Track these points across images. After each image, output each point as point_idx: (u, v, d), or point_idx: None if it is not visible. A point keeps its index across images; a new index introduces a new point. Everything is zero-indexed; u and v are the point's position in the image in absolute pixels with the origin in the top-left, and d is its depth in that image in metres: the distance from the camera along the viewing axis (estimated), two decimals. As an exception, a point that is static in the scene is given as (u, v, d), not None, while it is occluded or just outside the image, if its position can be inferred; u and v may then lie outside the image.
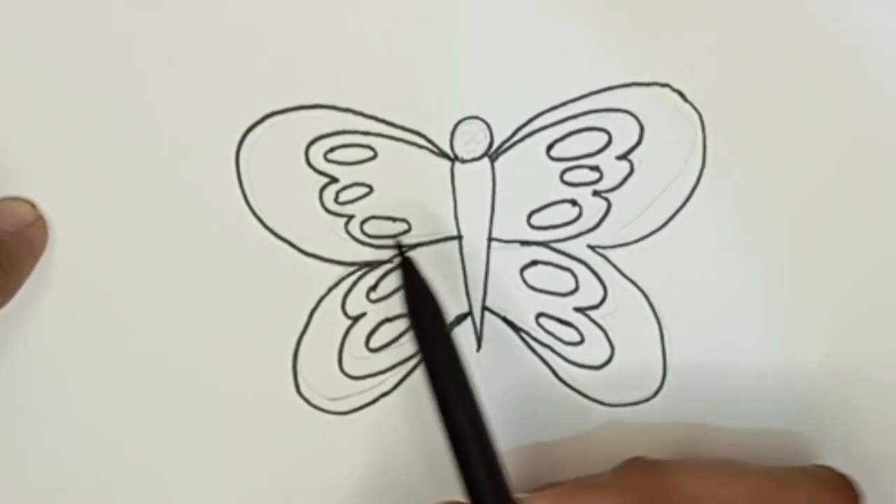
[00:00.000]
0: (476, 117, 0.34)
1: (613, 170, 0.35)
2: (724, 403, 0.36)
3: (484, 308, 0.35)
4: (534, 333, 0.35)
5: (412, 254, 0.34)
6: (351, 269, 0.35)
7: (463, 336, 0.35)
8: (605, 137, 0.35)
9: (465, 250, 0.35)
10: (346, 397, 0.35)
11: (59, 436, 0.35)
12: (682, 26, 0.34)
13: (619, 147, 0.35)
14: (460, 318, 0.35)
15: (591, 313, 0.36)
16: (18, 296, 0.33)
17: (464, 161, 0.34)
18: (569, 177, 0.35)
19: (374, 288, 0.35)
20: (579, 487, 0.32)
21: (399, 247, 0.34)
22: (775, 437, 0.36)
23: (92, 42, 0.33)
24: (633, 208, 0.35)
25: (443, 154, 0.34)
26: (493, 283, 0.35)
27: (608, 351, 0.36)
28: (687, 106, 0.34)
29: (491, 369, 0.35)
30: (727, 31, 0.34)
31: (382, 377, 0.35)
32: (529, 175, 0.35)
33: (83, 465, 0.35)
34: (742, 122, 0.35)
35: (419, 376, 0.35)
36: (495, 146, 0.34)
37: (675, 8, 0.33)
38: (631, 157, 0.35)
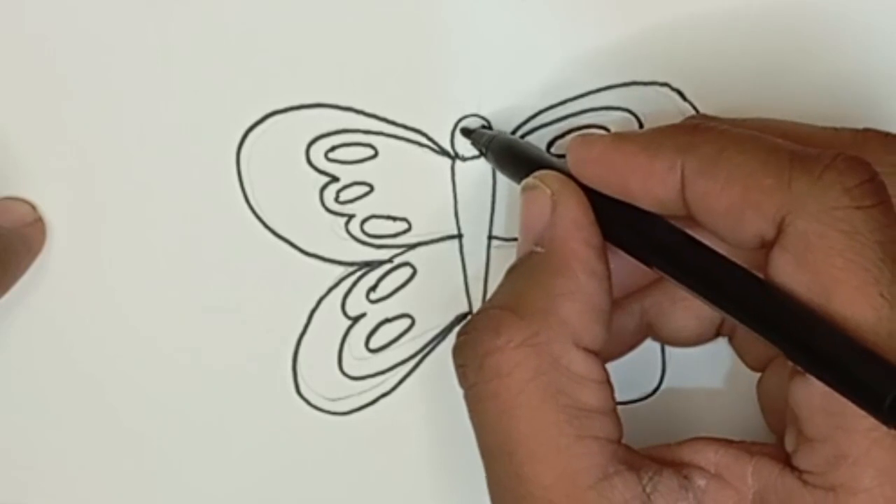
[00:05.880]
0: (476, 115, 0.34)
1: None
2: (723, 402, 0.36)
3: (484, 307, 0.35)
4: (534, 333, 0.35)
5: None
6: (351, 269, 0.35)
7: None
8: (605, 135, 0.35)
9: (466, 249, 0.35)
10: (345, 398, 0.35)
11: (50, 436, 0.35)
12: (682, 25, 0.34)
13: (618, 146, 0.35)
14: (460, 318, 0.35)
15: (591, 312, 0.35)
16: (13, 292, 0.34)
17: (464, 159, 0.34)
18: (569, 174, 0.35)
19: (374, 288, 0.35)
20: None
21: None
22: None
23: (92, 42, 0.33)
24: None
25: (443, 152, 0.34)
26: (493, 281, 0.35)
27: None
28: (686, 105, 0.34)
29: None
30: (727, 30, 0.34)
31: (382, 377, 0.35)
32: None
33: (79, 466, 0.35)
34: (740, 122, 0.35)
35: (419, 376, 0.35)
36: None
37: (674, 6, 0.34)
38: (631, 155, 0.35)
